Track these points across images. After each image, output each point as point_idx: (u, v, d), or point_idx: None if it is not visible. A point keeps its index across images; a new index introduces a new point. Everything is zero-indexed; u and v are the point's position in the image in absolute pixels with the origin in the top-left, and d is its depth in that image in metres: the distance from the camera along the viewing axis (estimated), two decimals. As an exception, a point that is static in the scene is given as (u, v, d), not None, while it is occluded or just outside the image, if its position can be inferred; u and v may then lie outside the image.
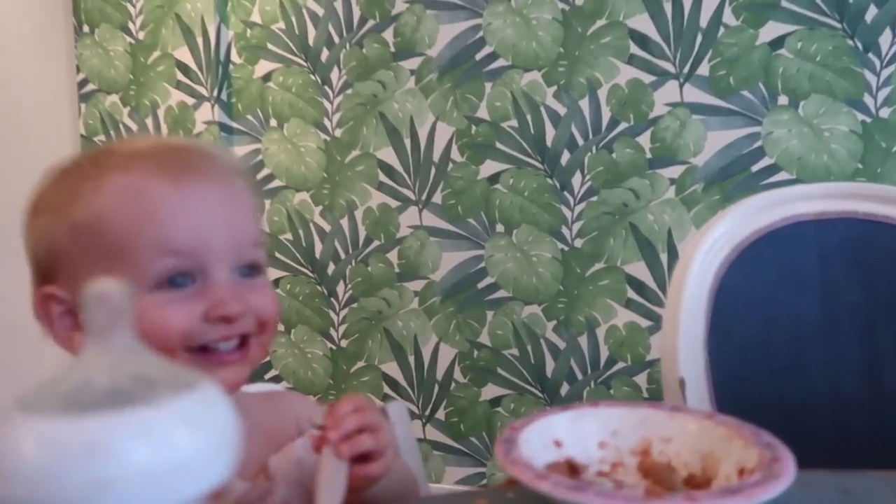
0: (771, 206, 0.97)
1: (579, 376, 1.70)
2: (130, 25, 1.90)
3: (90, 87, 1.94)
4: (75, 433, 0.24)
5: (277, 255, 1.86)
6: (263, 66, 1.84)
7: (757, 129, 1.59)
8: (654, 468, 0.57)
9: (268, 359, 1.89)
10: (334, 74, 1.80)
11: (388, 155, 1.78)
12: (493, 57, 1.70)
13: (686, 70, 1.61)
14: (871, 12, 1.52)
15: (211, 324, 0.54)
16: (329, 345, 1.85)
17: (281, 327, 1.88)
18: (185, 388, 0.27)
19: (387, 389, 1.81)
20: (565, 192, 1.68)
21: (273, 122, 1.84)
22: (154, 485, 0.25)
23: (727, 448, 0.54)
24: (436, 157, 1.75)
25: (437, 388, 1.78)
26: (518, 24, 1.68)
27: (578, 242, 1.68)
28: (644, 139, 1.64)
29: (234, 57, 1.86)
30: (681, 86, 1.61)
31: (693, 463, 0.56)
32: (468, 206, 1.74)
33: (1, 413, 0.25)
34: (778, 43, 1.56)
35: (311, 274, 1.85)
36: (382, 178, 1.78)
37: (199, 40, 1.85)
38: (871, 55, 1.53)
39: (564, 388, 1.71)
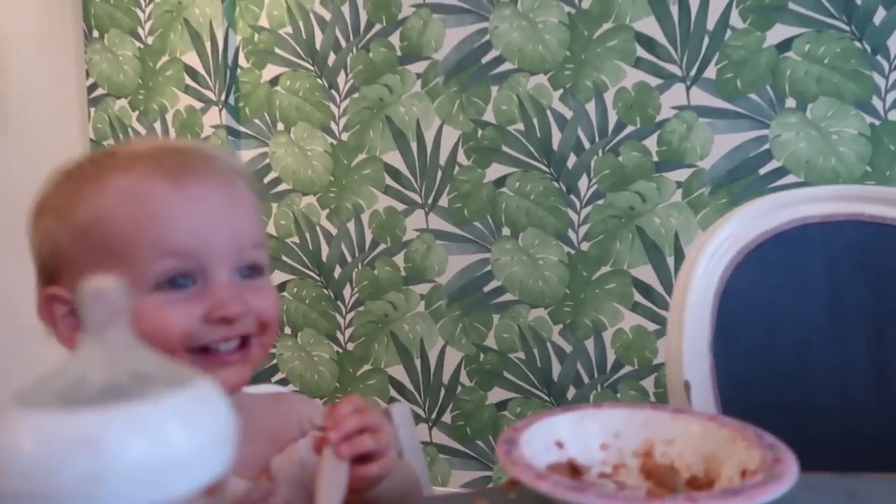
0: (777, 208, 0.96)
1: (586, 380, 1.70)
2: (139, 30, 1.91)
3: (99, 91, 1.95)
4: (71, 427, 0.24)
5: (284, 258, 1.87)
6: (271, 71, 1.85)
7: (764, 132, 1.58)
8: (657, 470, 0.57)
9: (274, 362, 1.90)
10: (341, 78, 1.80)
11: (394, 158, 1.78)
12: (499, 60, 1.70)
13: (693, 73, 1.61)
14: (880, 14, 1.51)
15: (211, 325, 0.54)
16: (335, 348, 1.85)
17: (287, 330, 1.88)
18: (180, 384, 0.27)
19: (393, 393, 1.81)
20: (571, 196, 1.68)
21: (280, 126, 1.85)
22: (149, 479, 0.25)
23: (730, 450, 0.54)
24: (442, 160, 1.75)
25: (443, 391, 1.78)
26: (524, 27, 1.68)
27: (585, 246, 1.68)
28: (651, 142, 1.63)
29: (242, 61, 1.87)
30: (687, 89, 1.61)
31: (696, 465, 0.56)
32: (474, 209, 1.74)
33: (-2, 408, 0.25)
34: (785, 45, 1.56)
35: (317, 277, 1.86)
36: (389, 181, 1.79)
37: (208, 45, 1.86)
38: (879, 57, 1.52)
39: (571, 392, 1.70)
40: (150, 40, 1.90)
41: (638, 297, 1.66)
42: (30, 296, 0.59)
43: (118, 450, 0.24)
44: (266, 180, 1.87)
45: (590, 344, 1.69)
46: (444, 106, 1.74)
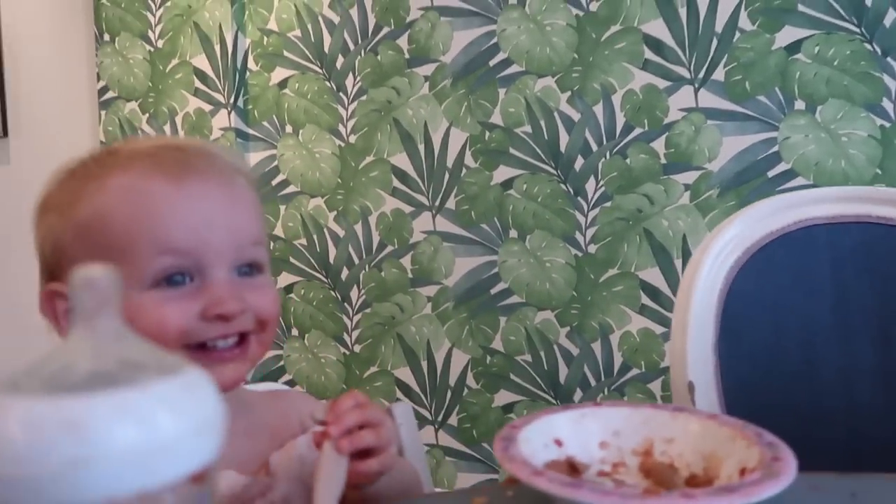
0: (783, 209, 0.96)
1: (593, 383, 1.69)
2: (150, 34, 1.93)
3: (110, 94, 1.97)
4: (56, 412, 0.24)
5: (292, 260, 1.88)
6: (279, 74, 1.86)
7: (773, 135, 1.57)
8: (656, 468, 0.56)
9: (281, 363, 1.90)
10: (349, 81, 1.81)
11: (401, 161, 1.78)
12: (506, 63, 1.70)
13: (701, 75, 1.60)
14: (890, 16, 1.50)
15: (208, 322, 0.55)
16: (342, 350, 1.86)
17: (295, 332, 1.89)
18: (169, 371, 0.27)
19: (400, 395, 1.81)
20: (579, 198, 1.68)
21: (289, 129, 1.86)
22: (135, 465, 0.25)
23: (730, 448, 0.54)
24: (449, 162, 1.75)
25: (449, 393, 1.78)
26: (532, 30, 1.68)
27: (592, 248, 1.68)
28: (658, 144, 1.63)
29: (251, 64, 1.88)
30: (696, 91, 1.61)
31: (695, 463, 0.56)
32: (481, 211, 1.74)
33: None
34: (794, 47, 1.55)
35: (324, 279, 1.86)
36: (396, 183, 1.79)
37: (217, 48, 1.87)
38: (889, 59, 1.51)
39: (578, 395, 1.70)
40: (160, 44, 1.92)
41: (645, 300, 1.65)
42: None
43: (104, 435, 0.24)
44: (274, 182, 1.88)
45: (597, 346, 1.68)
46: (451, 108, 1.74)
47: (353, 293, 1.84)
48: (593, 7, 1.64)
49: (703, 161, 1.61)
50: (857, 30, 1.52)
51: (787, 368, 0.87)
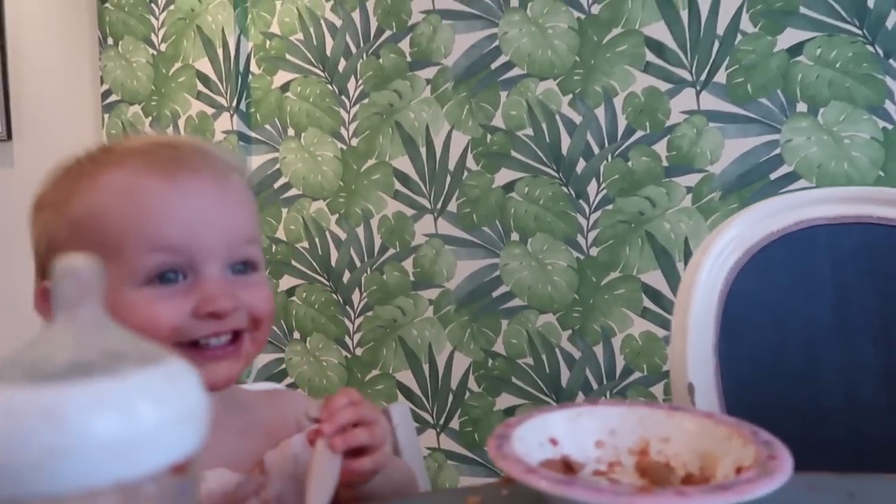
0: (784, 209, 0.95)
1: (595, 386, 1.68)
2: (153, 37, 1.94)
3: (113, 97, 1.97)
4: (33, 401, 0.24)
5: (294, 263, 1.88)
6: (282, 77, 1.86)
7: (775, 137, 1.57)
8: (652, 468, 0.56)
9: (283, 366, 1.90)
10: (351, 84, 1.81)
11: (403, 164, 1.78)
12: (508, 66, 1.70)
13: (703, 78, 1.60)
14: (892, 18, 1.50)
15: (200, 320, 0.54)
16: (344, 353, 1.85)
17: (296, 335, 1.89)
18: (150, 361, 0.27)
19: (401, 398, 1.81)
20: (581, 201, 1.68)
21: (291, 132, 1.86)
22: (114, 454, 0.25)
23: (726, 447, 0.53)
24: (451, 165, 1.75)
25: (451, 397, 1.77)
26: (534, 33, 1.68)
27: (594, 251, 1.67)
28: (660, 147, 1.62)
29: (254, 67, 1.88)
30: (697, 94, 1.60)
31: (691, 462, 0.55)
32: (483, 214, 1.73)
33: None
34: (796, 50, 1.55)
35: (326, 282, 1.86)
36: (398, 186, 1.79)
37: (220, 52, 1.88)
38: (892, 61, 1.50)
39: (579, 399, 1.69)
40: (163, 47, 1.93)
41: (647, 303, 1.65)
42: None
43: (82, 424, 0.24)
44: (276, 185, 1.88)
45: (599, 350, 1.68)
46: (453, 111, 1.74)
47: (355, 296, 1.84)
48: (595, 10, 1.64)
49: (704, 164, 1.60)
50: (860, 32, 1.51)
51: (787, 369, 0.87)
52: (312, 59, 1.84)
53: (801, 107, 1.55)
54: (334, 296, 1.85)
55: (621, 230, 1.65)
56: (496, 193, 1.72)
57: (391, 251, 1.80)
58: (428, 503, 0.61)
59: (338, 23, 1.81)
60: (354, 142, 1.82)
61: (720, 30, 1.58)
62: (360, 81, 1.80)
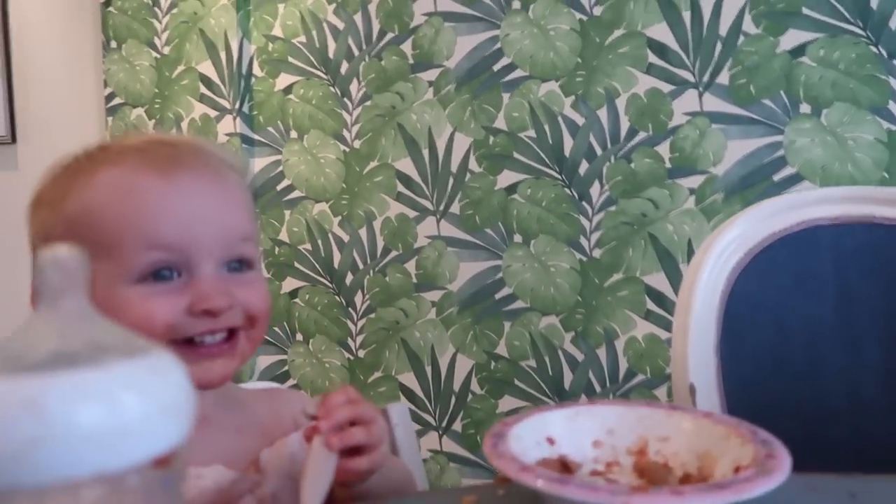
0: (786, 209, 0.95)
1: (598, 389, 1.68)
2: (156, 41, 1.94)
3: (117, 100, 1.98)
4: (13, 391, 0.24)
5: (296, 265, 1.88)
6: (284, 79, 1.86)
7: (779, 138, 1.56)
8: (650, 468, 0.55)
9: (286, 368, 1.90)
10: (353, 86, 1.81)
11: (406, 166, 1.78)
12: (510, 68, 1.70)
13: (706, 79, 1.59)
14: (896, 19, 1.49)
15: (195, 317, 0.54)
16: (347, 355, 1.85)
17: (299, 337, 1.89)
18: (135, 353, 0.27)
19: (404, 400, 1.80)
20: (583, 203, 1.67)
21: (293, 134, 1.86)
22: (96, 446, 0.24)
23: (724, 447, 0.53)
24: (454, 167, 1.75)
25: (453, 399, 1.77)
26: (536, 34, 1.68)
27: (597, 253, 1.67)
28: (663, 149, 1.62)
29: (256, 70, 1.89)
30: (700, 95, 1.60)
31: (690, 462, 0.55)
32: (486, 216, 1.73)
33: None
34: (799, 51, 1.54)
35: (329, 284, 1.86)
36: (401, 188, 1.79)
37: (223, 54, 1.88)
38: (895, 62, 1.50)
39: (582, 401, 1.68)
40: (166, 50, 1.93)
41: (651, 305, 1.64)
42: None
43: (64, 415, 0.24)
44: (279, 188, 1.88)
45: (602, 352, 1.67)
46: (455, 113, 1.74)
47: (358, 298, 1.83)
48: (597, 11, 1.64)
49: (707, 165, 1.60)
50: (863, 32, 1.51)
51: (789, 370, 0.86)
52: (315, 62, 1.84)
53: (805, 108, 1.54)
54: (337, 298, 1.85)
55: (624, 232, 1.65)
56: (499, 195, 1.72)
57: (394, 253, 1.80)
58: (424, 503, 0.61)
59: (340, 25, 1.81)
60: (357, 144, 1.82)
61: (723, 31, 1.58)
62: (363, 84, 1.80)
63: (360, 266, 1.83)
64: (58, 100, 2.06)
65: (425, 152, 1.77)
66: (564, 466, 0.55)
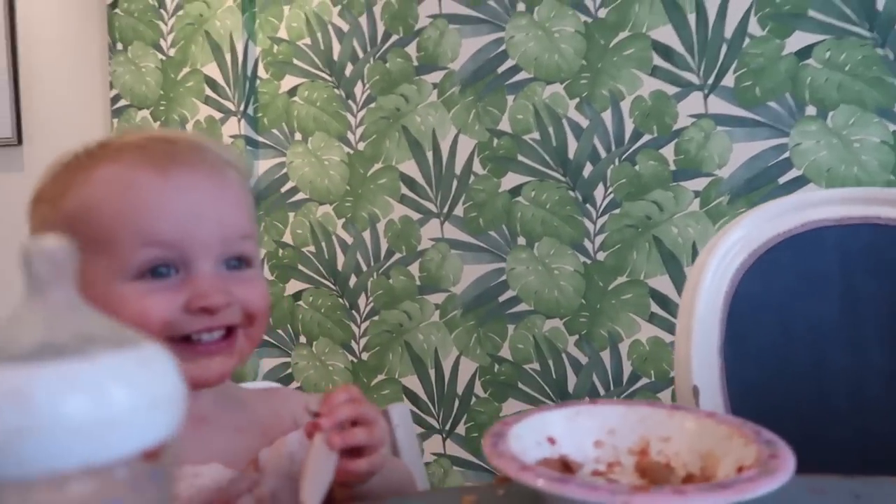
0: (791, 210, 0.94)
1: (601, 392, 1.67)
2: (162, 42, 1.95)
3: (122, 102, 1.98)
4: (-2, 380, 0.24)
5: (300, 267, 1.87)
6: (289, 81, 1.86)
7: (784, 141, 1.55)
8: (652, 468, 0.55)
9: (289, 371, 1.90)
10: (358, 88, 1.81)
11: (410, 168, 1.78)
12: (515, 70, 1.70)
13: (710, 81, 1.59)
14: (903, 21, 1.48)
15: (192, 315, 0.54)
16: (350, 357, 1.85)
17: (303, 339, 1.88)
18: (123, 345, 0.26)
19: (406, 403, 1.80)
20: (588, 205, 1.67)
21: (298, 136, 1.87)
22: (83, 437, 0.24)
23: (727, 447, 0.52)
24: (458, 169, 1.74)
25: (457, 402, 1.76)
26: (540, 37, 1.68)
27: (601, 255, 1.66)
28: (668, 151, 1.61)
29: (261, 72, 1.89)
30: (705, 97, 1.59)
31: (692, 463, 0.54)
32: (490, 218, 1.73)
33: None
34: (805, 53, 1.53)
35: (333, 286, 1.86)
36: (404, 190, 1.79)
37: (228, 57, 1.88)
38: (902, 64, 1.49)
39: (587, 404, 1.67)
40: (172, 52, 1.93)
41: (655, 308, 1.63)
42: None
43: (49, 405, 0.24)
44: (283, 190, 1.88)
45: (606, 355, 1.66)
46: (459, 115, 1.74)
47: (361, 300, 1.83)
48: (601, 13, 1.63)
49: (712, 167, 1.59)
50: (869, 34, 1.50)
51: (794, 371, 0.85)
52: (319, 64, 1.84)
53: (811, 110, 1.54)
54: (340, 300, 1.85)
55: (628, 234, 1.64)
56: (503, 198, 1.71)
57: (397, 255, 1.80)
58: (425, 502, 0.61)
59: (345, 27, 1.81)
60: (361, 146, 1.82)
61: (728, 33, 1.57)
62: (367, 86, 1.80)
63: (364, 268, 1.83)
64: (64, 102, 2.07)
65: (429, 154, 1.76)
66: (565, 466, 0.54)
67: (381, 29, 1.79)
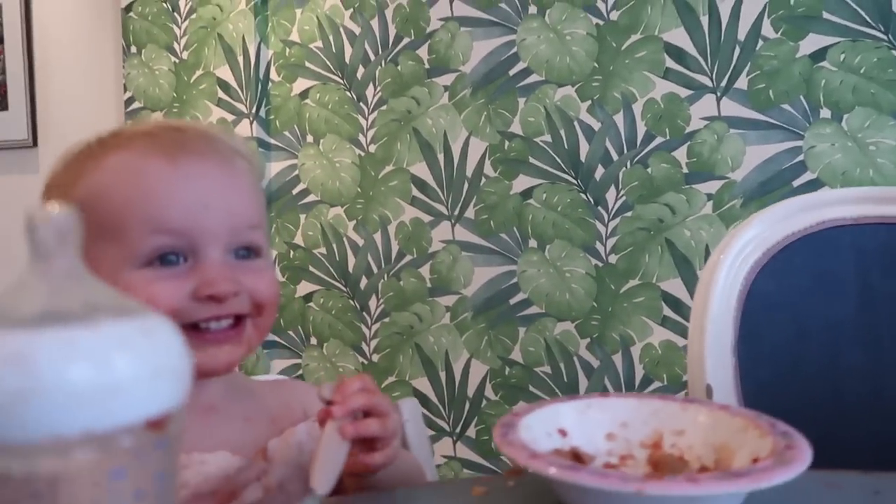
0: (805, 209, 0.93)
1: (613, 396, 1.65)
2: (175, 45, 1.96)
3: (136, 104, 2.00)
4: (0, 345, 0.23)
5: (311, 268, 1.87)
6: (301, 84, 1.87)
7: (798, 144, 1.54)
8: (665, 461, 0.54)
9: (300, 372, 1.90)
10: (369, 91, 1.81)
11: (421, 170, 1.78)
12: (526, 72, 1.69)
13: (724, 84, 1.58)
14: (918, 23, 1.47)
15: (200, 302, 0.54)
16: (361, 359, 1.84)
17: (313, 341, 1.88)
18: (127, 314, 0.26)
19: (417, 406, 1.79)
20: (599, 208, 1.66)
21: (309, 138, 1.87)
22: (84, 403, 0.24)
23: (741, 439, 0.51)
24: (469, 172, 1.74)
25: (468, 405, 1.75)
26: (552, 39, 1.67)
27: (613, 258, 1.65)
28: (680, 154, 1.60)
29: (273, 75, 1.90)
30: (718, 100, 1.58)
31: (706, 455, 0.53)
32: (501, 221, 1.72)
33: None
34: (819, 55, 1.52)
35: (343, 288, 1.86)
36: (415, 192, 1.78)
37: (240, 59, 1.89)
38: (918, 66, 1.47)
39: (598, 408, 1.66)
40: (185, 55, 1.95)
41: (667, 312, 1.62)
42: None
43: (51, 370, 0.23)
44: (295, 192, 1.88)
45: (617, 359, 1.65)
46: (471, 118, 1.73)
47: (372, 302, 1.83)
48: (613, 16, 1.63)
49: (725, 170, 1.58)
50: (884, 37, 1.49)
51: (808, 370, 0.84)
52: (331, 67, 1.85)
53: (825, 113, 1.52)
54: (351, 302, 1.85)
55: (640, 237, 1.63)
56: (514, 200, 1.71)
57: (408, 257, 1.79)
58: (434, 493, 0.60)
59: (357, 30, 1.82)
60: (372, 148, 1.82)
61: (741, 35, 1.56)
62: (379, 88, 1.81)
63: (375, 270, 1.82)
64: (78, 104, 2.08)
65: (440, 157, 1.76)
66: (577, 458, 0.53)
67: (392, 32, 1.79)
